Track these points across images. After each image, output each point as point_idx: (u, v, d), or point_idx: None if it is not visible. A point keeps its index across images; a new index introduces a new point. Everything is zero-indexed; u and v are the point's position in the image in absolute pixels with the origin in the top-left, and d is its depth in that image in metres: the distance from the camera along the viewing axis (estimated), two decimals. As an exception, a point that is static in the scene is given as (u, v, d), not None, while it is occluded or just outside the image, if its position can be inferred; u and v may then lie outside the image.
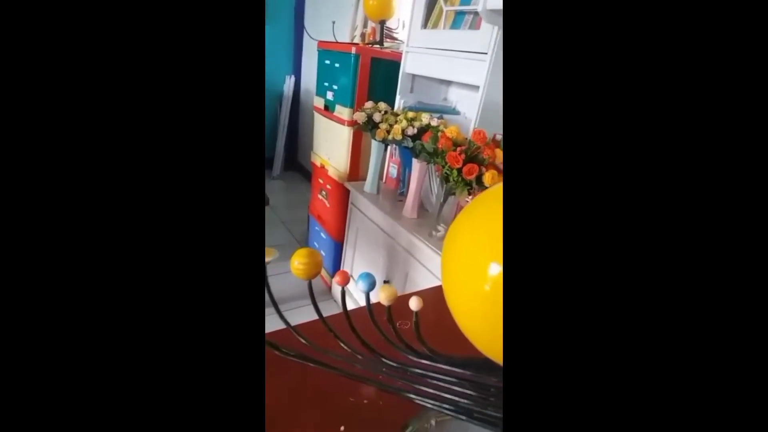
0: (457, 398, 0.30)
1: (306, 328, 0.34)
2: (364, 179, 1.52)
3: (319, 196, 1.84)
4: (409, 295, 0.32)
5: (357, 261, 1.60)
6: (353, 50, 1.47)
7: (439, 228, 1.12)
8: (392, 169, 1.53)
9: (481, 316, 0.24)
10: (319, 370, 0.33)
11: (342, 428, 0.38)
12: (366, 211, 1.48)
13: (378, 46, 1.67)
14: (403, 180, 1.48)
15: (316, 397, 0.41)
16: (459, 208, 1.13)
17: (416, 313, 0.30)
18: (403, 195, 1.44)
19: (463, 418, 0.29)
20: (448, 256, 0.25)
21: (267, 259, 0.34)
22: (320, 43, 1.70)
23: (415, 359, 0.31)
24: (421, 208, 1.31)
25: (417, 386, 0.31)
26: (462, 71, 1.22)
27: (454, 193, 1.01)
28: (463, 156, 0.93)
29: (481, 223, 0.24)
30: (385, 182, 1.56)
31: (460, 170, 0.92)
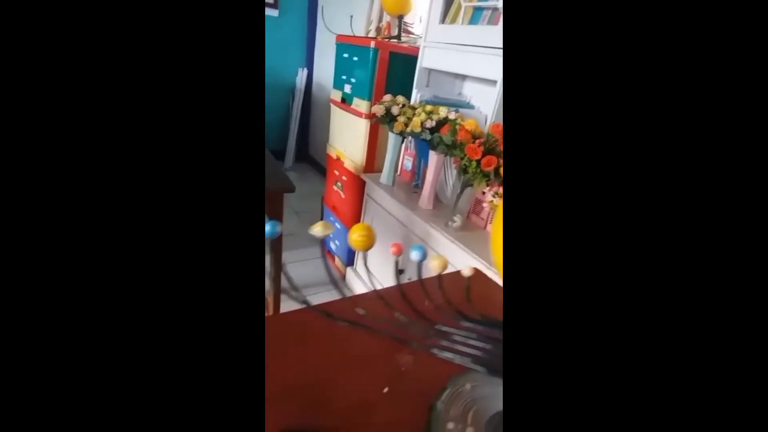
0: (495, 358, 0.34)
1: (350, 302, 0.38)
2: (380, 171, 1.56)
3: (335, 187, 1.88)
4: (429, 279, 0.36)
5: (372, 250, 1.64)
6: (372, 44, 1.50)
7: (455, 218, 1.16)
8: (407, 162, 1.56)
9: None
10: (364, 338, 0.37)
11: (385, 389, 0.42)
12: (381, 202, 1.52)
13: (396, 40, 1.70)
14: (417, 172, 1.51)
15: (361, 362, 0.45)
16: (475, 199, 1.17)
17: (468, 278, 0.33)
18: (418, 187, 1.48)
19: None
20: (497, 225, 0.29)
21: (323, 234, 0.38)
22: (338, 36, 1.73)
23: (461, 323, 0.35)
24: (436, 199, 1.35)
25: (460, 347, 0.35)
26: (480, 66, 1.24)
27: (471, 185, 1.05)
28: (481, 148, 0.96)
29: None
30: (399, 174, 1.60)
31: (478, 162, 0.96)
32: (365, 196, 1.63)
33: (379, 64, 1.52)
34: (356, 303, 0.40)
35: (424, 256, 0.35)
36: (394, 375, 0.44)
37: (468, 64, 1.30)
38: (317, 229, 0.39)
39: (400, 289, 0.37)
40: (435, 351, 0.37)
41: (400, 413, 0.39)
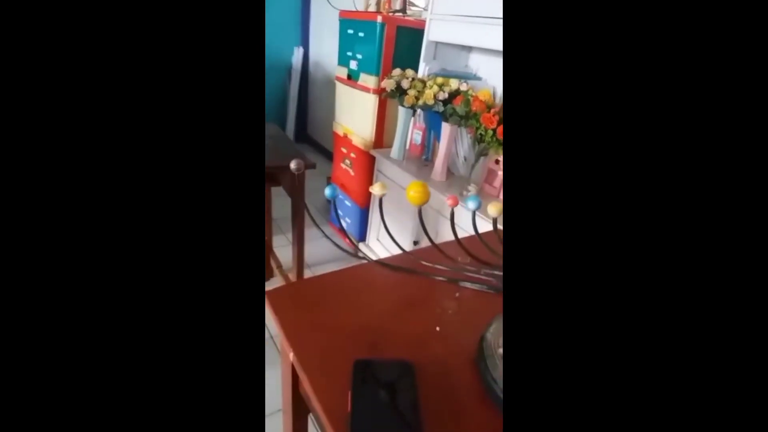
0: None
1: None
2: (389, 147, 1.59)
3: (343, 165, 1.92)
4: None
5: (382, 227, 1.69)
6: (379, 19, 1.50)
7: (470, 188, 1.21)
8: (416, 136, 1.59)
9: None
10: (416, 284, 0.42)
11: (437, 328, 0.47)
12: (393, 176, 1.56)
13: (401, 14, 1.69)
14: (427, 146, 1.54)
15: (416, 305, 0.51)
16: (488, 169, 1.21)
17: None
18: (428, 160, 1.52)
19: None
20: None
21: (381, 193, 0.43)
22: (342, 12, 1.72)
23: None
24: (448, 171, 1.39)
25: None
26: (487, 37, 1.26)
27: (485, 154, 1.09)
28: (497, 117, 1.00)
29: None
30: (409, 149, 1.63)
31: (494, 131, 1.00)
32: (375, 172, 1.67)
33: (386, 39, 1.53)
34: (412, 255, 0.45)
35: (479, 206, 0.40)
36: (445, 316, 0.50)
37: (475, 35, 1.31)
38: (376, 189, 0.44)
39: (456, 238, 0.42)
40: (486, 288, 0.43)
41: (454, 346, 0.44)
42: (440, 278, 0.42)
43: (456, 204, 0.40)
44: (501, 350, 0.42)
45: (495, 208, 0.38)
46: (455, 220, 0.43)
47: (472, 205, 0.39)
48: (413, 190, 0.41)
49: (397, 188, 1.55)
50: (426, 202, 0.42)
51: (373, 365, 0.39)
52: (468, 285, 0.43)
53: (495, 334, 0.44)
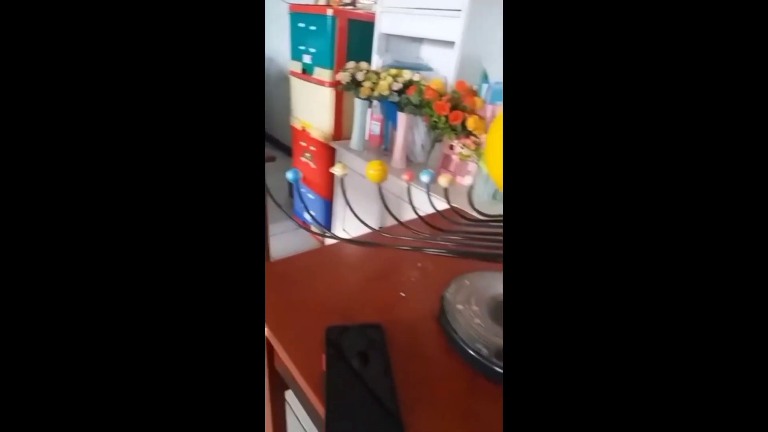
0: (491, 248, 0.45)
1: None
2: (348, 138, 1.62)
3: (303, 159, 1.92)
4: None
5: (349, 213, 1.73)
6: (329, 12, 1.51)
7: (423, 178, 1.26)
8: (375, 126, 1.63)
9: None
10: (382, 257, 0.47)
11: (402, 294, 0.52)
12: (354, 166, 1.59)
13: (351, 7, 1.71)
14: (386, 135, 1.59)
15: (381, 277, 0.55)
16: (444, 155, 1.27)
17: (470, 186, 0.43)
18: (388, 150, 1.56)
19: (498, 260, 0.44)
20: (492, 141, 0.39)
21: (342, 173, 0.47)
22: (292, 6, 1.71)
23: (466, 224, 0.45)
24: (407, 159, 1.44)
25: (463, 245, 0.46)
26: (438, 28, 1.32)
27: (440, 140, 1.15)
28: (448, 105, 1.05)
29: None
30: (368, 139, 1.67)
31: (447, 117, 1.05)
32: (336, 163, 1.69)
33: (338, 32, 1.55)
34: (377, 231, 0.49)
35: (432, 179, 0.44)
36: (409, 283, 0.54)
37: (425, 27, 1.37)
38: (337, 170, 0.47)
39: (413, 209, 0.46)
40: (445, 253, 0.47)
41: (418, 308, 0.49)
42: (405, 248, 0.46)
43: (412, 179, 0.45)
44: (459, 306, 0.47)
45: (445, 179, 0.43)
46: (414, 203, 0.47)
47: (425, 178, 0.44)
48: (372, 168, 0.45)
49: (358, 177, 1.58)
50: (385, 179, 0.46)
51: (344, 329, 0.43)
52: (429, 251, 0.47)
53: (453, 293, 0.49)
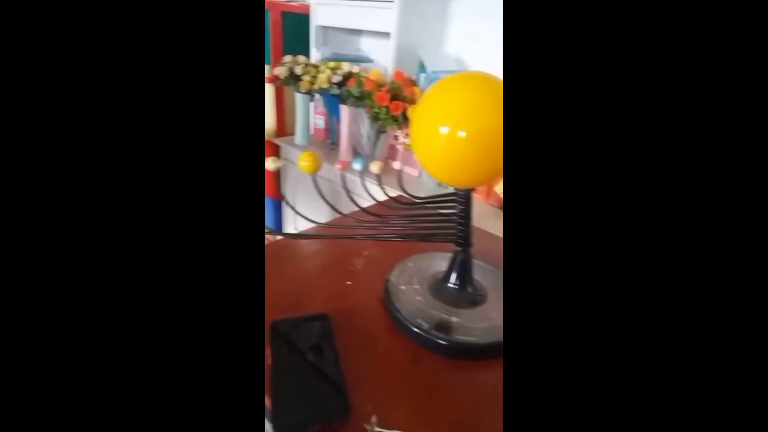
0: (429, 229, 0.47)
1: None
2: (292, 134, 1.59)
3: (248, 159, 1.85)
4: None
5: (299, 210, 1.70)
6: (262, 4, 1.47)
7: (372, 168, 1.28)
8: (319, 121, 1.61)
9: (435, 155, 0.40)
10: (328, 252, 0.47)
11: (348, 283, 0.53)
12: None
13: (284, -1, 1.67)
14: (331, 129, 1.58)
15: (328, 269, 0.56)
16: (390, 146, 1.29)
17: (399, 171, 0.45)
18: (334, 144, 1.56)
19: (437, 240, 0.47)
20: (416, 123, 0.41)
21: (273, 166, 0.47)
22: None
23: (401, 208, 0.47)
24: (354, 151, 1.45)
25: (400, 228, 0.48)
26: (372, 19, 1.32)
27: (385, 131, 1.17)
28: (388, 95, 1.07)
29: (434, 102, 0.40)
30: (313, 134, 1.65)
31: (387, 108, 1.07)
32: (282, 161, 1.65)
33: (272, 26, 1.50)
34: (323, 224, 0.49)
35: (365, 166, 0.45)
36: (355, 272, 0.55)
37: (360, 18, 1.37)
38: (269, 164, 0.47)
39: (351, 199, 0.47)
40: (388, 237, 0.49)
41: (365, 294, 0.50)
42: (358, 236, 0.47)
43: (345, 167, 0.46)
44: (402, 287, 0.49)
45: (376, 166, 0.44)
46: (361, 193, 0.48)
47: (357, 166, 0.45)
48: (304, 160, 0.46)
49: (305, 174, 1.56)
50: (318, 169, 0.46)
51: (290, 322, 0.43)
52: (371, 237, 0.49)
53: (397, 275, 0.51)
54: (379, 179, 0.46)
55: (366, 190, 0.47)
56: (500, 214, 1.03)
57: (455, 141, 0.37)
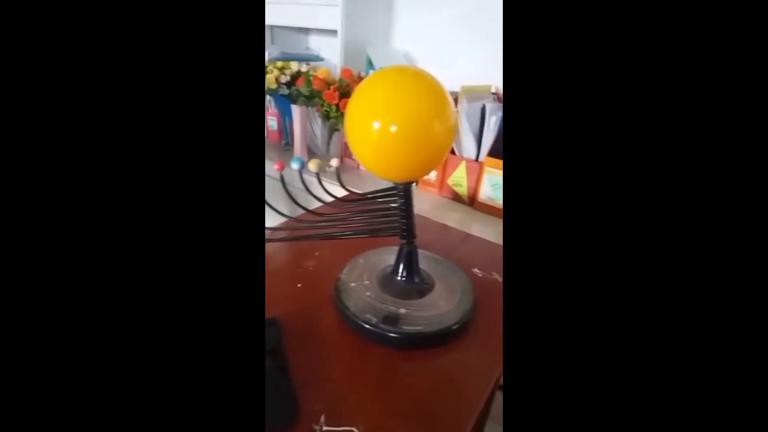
0: (372, 224, 0.47)
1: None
2: (246, 137, 1.54)
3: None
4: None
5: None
6: (202, 3, 1.41)
7: (331, 163, 1.27)
8: (272, 122, 1.57)
9: (369, 150, 0.40)
10: (279, 256, 0.46)
11: (299, 285, 0.52)
12: (256, 166, 1.53)
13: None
14: (285, 130, 1.55)
15: (278, 273, 0.55)
16: (344, 143, 1.29)
17: (337, 168, 0.45)
18: (289, 144, 1.53)
19: (383, 234, 0.47)
20: (350, 118, 0.41)
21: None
22: None
23: (342, 205, 0.47)
24: (310, 151, 1.43)
25: (347, 226, 0.48)
26: (318, 17, 1.31)
27: (338, 129, 1.16)
28: (337, 93, 1.06)
29: (366, 98, 0.40)
30: (267, 136, 1.61)
31: (337, 106, 1.06)
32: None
33: (215, 25, 1.45)
34: (271, 228, 0.48)
35: (302, 165, 0.45)
36: (306, 273, 0.55)
37: (307, 16, 1.35)
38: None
39: (293, 200, 0.46)
40: (335, 235, 0.49)
41: (316, 295, 0.50)
42: (303, 237, 0.47)
43: (282, 168, 0.45)
44: (352, 284, 0.49)
45: (314, 164, 0.44)
46: (316, 192, 0.48)
47: (295, 165, 0.44)
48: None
49: (263, 178, 1.52)
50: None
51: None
52: (318, 237, 0.48)
53: (348, 273, 0.51)
54: (318, 177, 0.46)
55: (307, 188, 0.47)
56: (453, 205, 1.06)
57: (387, 135, 0.38)
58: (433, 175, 1.09)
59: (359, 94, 0.40)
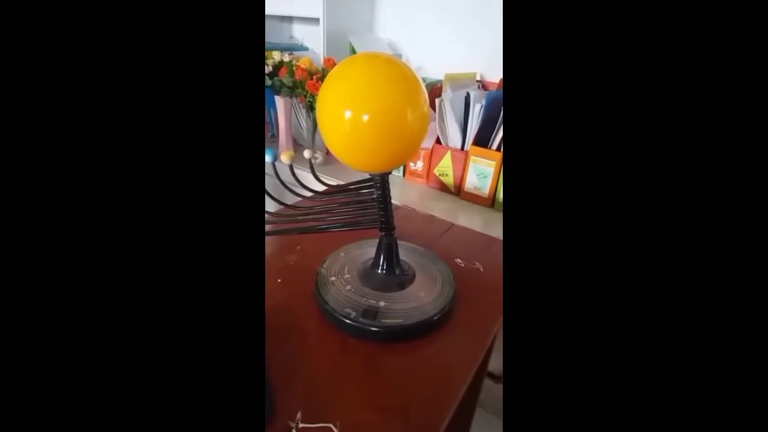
0: (351, 216, 0.46)
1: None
2: (231, 130, 1.51)
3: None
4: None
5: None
6: (179, -8, 1.36)
7: (317, 155, 1.25)
8: (257, 115, 1.55)
9: (342, 140, 0.39)
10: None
11: (279, 280, 0.52)
12: (242, 160, 1.50)
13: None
14: (270, 122, 1.52)
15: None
16: (328, 134, 1.27)
17: (310, 159, 0.44)
18: (274, 136, 1.50)
19: (363, 227, 0.46)
20: (321, 107, 0.40)
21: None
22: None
23: (318, 198, 0.46)
24: (295, 143, 1.40)
25: (325, 218, 0.47)
26: (300, 5, 1.27)
27: (320, 120, 1.14)
28: (320, 83, 1.04)
29: (338, 86, 0.39)
30: (253, 129, 1.58)
31: (320, 96, 1.04)
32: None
33: (194, 15, 1.41)
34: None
35: (275, 158, 0.44)
36: (286, 268, 0.54)
37: (288, 3, 1.31)
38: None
39: (268, 194, 0.45)
40: (313, 229, 0.48)
41: (296, 290, 0.49)
42: (282, 231, 0.46)
43: (256, 160, 0.44)
44: (332, 278, 0.48)
45: (286, 156, 0.43)
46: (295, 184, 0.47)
47: (268, 158, 0.43)
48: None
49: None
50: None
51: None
52: (297, 231, 0.47)
53: (328, 267, 0.50)
54: (291, 168, 0.45)
55: (281, 182, 0.46)
56: (440, 195, 1.05)
57: (360, 125, 0.37)
58: (420, 166, 1.08)
59: (330, 82, 0.39)
